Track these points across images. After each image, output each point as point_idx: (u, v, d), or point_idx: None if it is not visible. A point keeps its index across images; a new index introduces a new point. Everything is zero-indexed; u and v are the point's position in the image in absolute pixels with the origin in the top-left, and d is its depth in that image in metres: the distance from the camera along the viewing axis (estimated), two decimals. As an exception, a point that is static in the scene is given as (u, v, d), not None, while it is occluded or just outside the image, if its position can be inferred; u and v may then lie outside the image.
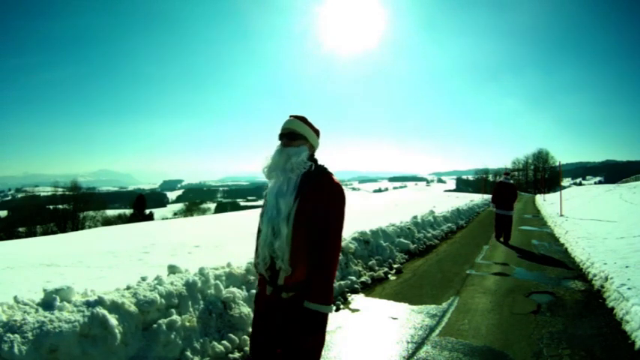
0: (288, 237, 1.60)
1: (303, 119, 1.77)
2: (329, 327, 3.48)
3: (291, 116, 1.80)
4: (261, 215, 1.75)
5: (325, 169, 1.74)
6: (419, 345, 3.10)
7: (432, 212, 10.41)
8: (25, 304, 2.25)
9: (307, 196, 1.62)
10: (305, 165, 1.67)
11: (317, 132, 1.82)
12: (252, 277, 3.53)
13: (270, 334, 1.74)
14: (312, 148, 1.78)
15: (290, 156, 1.67)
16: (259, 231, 1.75)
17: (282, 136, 1.74)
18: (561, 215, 12.03)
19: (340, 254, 5.03)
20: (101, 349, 2.26)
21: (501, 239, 8.51)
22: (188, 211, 64.98)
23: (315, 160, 1.76)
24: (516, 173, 60.75)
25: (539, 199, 25.87)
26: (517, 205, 9.95)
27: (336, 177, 1.71)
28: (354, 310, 3.98)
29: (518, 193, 10.25)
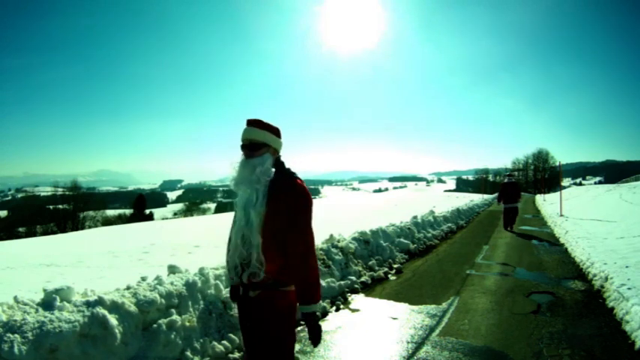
0: (259, 246, 1.64)
1: (259, 124, 1.75)
2: (329, 327, 3.48)
3: (248, 122, 1.77)
4: (233, 225, 1.77)
5: (290, 172, 1.75)
6: (419, 345, 3.10)
7: (432, 212, 10.40)
8: (25, 304, 2.25)
9: (273, 201, 1.65)
10: (269, 173, 1.69)
11: (277, 132, 1.79)
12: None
13: (248, 333, 1.80)
14: (276, 152, 1.78)
15: (255, 167, 1.68)
16: (230, 240, 1.78)
17: (243, 147, 1.75)
18: (561, 215, 12.02)
19: (340, 254, 5.05)
20: (101, 349, 2.26)
21: (509, 228, 10.22)
22: (188, 211, 64.97)
23: (282, 163, 1.77)
24: (516, 173, 60.93)
25: (539, 199, 25.88)
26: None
27: (300, 179, 1.73)
28: (354, 310, 3.98)
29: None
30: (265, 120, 1.78)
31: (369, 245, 5.93)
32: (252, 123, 1.75)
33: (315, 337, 1.67)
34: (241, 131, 1.78)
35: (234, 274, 1.73)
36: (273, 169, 1.72)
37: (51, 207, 44.60)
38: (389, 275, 5.38)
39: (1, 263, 7.55)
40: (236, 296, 1.84)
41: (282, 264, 1.67)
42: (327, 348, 3.07)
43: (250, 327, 1.76)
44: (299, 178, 1.73)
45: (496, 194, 33.29)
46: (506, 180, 10.97)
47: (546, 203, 19.88)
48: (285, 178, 1.71)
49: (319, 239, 5.40)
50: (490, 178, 71.19)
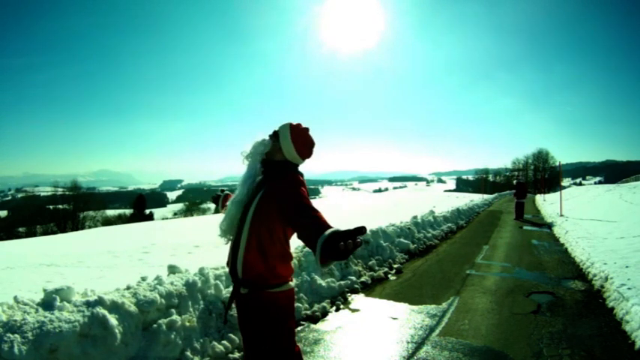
0: (244, 228, 1.66)
1: (290, 125, 1.78)
2: (329, 327, 3.48)
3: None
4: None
5: (293, 167, 1.76)
6: (419, 345, 3.10)
7: (432, 212, 10.40)
8: (25, 304, 2.25)
9: (268, 192, 1.67)
10: (256, 155, 1.74)
11: (298, 142, 1.75)
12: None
13: (242, 331, 1.79)
14: (281, 153, 1.75)
15: (253, 145, 1.77)
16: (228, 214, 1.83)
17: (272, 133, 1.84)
18: (561, 215, 12.02)
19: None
20: (101, 349, 2.26)
21: (521, 218, 13.29)
22: (188, 211, 64.88)
23: (291, 166, 1.76)
24: (517, 173, 61.39)
25: (539, 199, 25.87)
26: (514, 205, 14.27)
27: (301, 174, 1.76)
28: (354, 310, 3.98)
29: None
30: (310, 138, 1.80)
31: (369, 245, 5.93)
32: (296, 128, 1.77)
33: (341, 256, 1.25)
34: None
35: (231, 258, 1.73)
36: (260, 154, 1.75)
37: (51, 207, 44.58)
38: (389, 275, 5.38)
39: (1, 263, 7.55)
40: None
41: (268, 259, 1.63)
42: (327, 348, 3.07)
43: (243, 325, 1.75)
44: (298, 173, 1.76)
45: (496, 194, 33.57)
46: (517, 180, 15.50)
47: (546, 203, 19.87)
48: (283, 171, 1.73)
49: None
50: (490, 178, 71.27)
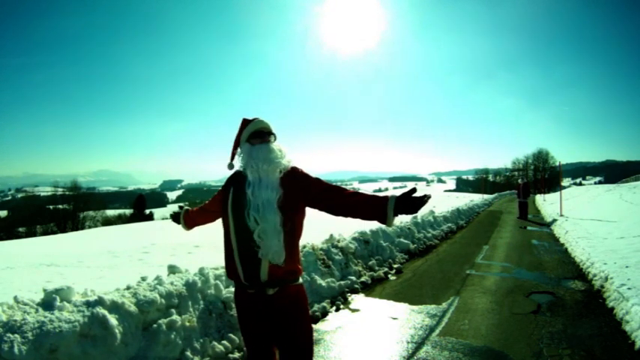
0: (278, 227, 1.59)
1: (264, 121, 1.82)
2: (329, 327, 3.48)
3: (249, 119, 1.82)
4: (234, 212, 1.69)
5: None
6: (419, 345, 3.10)
7: (432, 212, 10.40)
8: (25, 304, 2.25)
9: (286, 190, 1.66)
10: (286, 155, 1.74)
11: None
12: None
13: (262, 333, 1.72)
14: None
15: (274, 148, 1.72)
16: (234, 227, 1.69)
17: (260, 134, 1.76)
18: (561, 215, 12.02)
19: (340, 254, 5.05)
20: (101, 349, 2.26)
21: (524, 217, 13.56)
22: (188, 211, 64.77)
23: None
24: (516, 173, 61.55)
25: (539, 199, 25.87)
26: (515, 205, 15.37)
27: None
28: (354, 310, 3.98)
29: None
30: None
31: (369, 245, 5.92)
32: (256, 119, 1.82)
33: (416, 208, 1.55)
34: (242, 127, 1.83)
35: (242, 266, 1.64)
36: (290, 159, 1.76)
37: (51, 207, 44.57)
38: (389, 275, 5.38)
39: (1, 263, 7.56)
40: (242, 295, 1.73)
41: (293, 256, 1.67)
42: (327, 348, 3.07)
43: (272, 327, 1.68)
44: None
45: (496, 194, 33.57)
46: (520, 181, 16.27)
47: (546, 203, 19.87)
48: (292, 168, 1.75)
49: (319, 239, 5.41)
50: (490, 178, 71.33)
